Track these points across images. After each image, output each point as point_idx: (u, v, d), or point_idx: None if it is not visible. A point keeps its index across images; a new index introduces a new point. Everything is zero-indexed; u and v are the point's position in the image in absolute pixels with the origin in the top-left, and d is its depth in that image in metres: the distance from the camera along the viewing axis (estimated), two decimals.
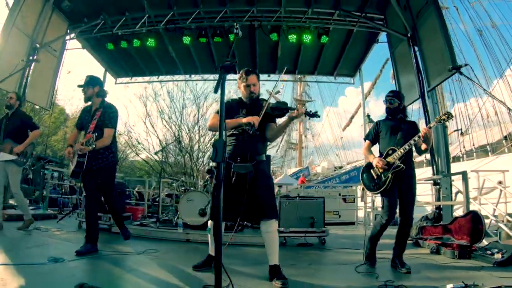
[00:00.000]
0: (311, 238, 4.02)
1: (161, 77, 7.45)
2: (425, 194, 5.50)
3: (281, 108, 2.27)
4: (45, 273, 2.04)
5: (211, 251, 2.40)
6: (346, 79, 7.20)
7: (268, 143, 2.62)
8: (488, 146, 9.52)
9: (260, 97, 2.48)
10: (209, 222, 2.43)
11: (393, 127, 2.70)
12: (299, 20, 5.47)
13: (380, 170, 2.61)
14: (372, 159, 2.68)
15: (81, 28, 6.05)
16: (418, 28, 4.79)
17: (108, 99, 2.96)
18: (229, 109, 2.34)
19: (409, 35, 4.96)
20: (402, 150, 2.54)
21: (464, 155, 9.88)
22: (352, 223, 6.69)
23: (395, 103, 2.71)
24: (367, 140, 2.85)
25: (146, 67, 7.15)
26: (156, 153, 7.18)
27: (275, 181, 5.27)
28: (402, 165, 2.54)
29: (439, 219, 4.19)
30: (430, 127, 2.51)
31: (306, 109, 2.19)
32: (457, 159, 9.80)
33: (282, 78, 10.97)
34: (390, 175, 2.55)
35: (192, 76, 7.69)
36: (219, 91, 1.61)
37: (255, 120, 2.19)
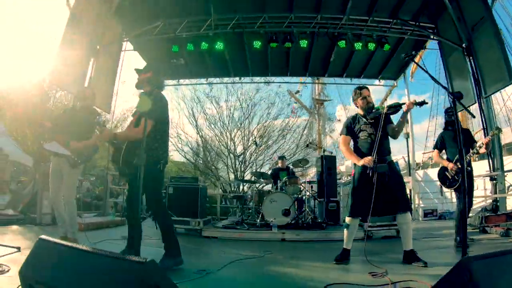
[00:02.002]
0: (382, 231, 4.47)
1: (210, 79, 7.62)
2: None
3: (394, 106, 2.77)
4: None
5: (347, 245, 2.84)
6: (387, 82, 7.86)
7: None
8: None
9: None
10: (348, 218, 2.84)
11: (452, 136, 3.54)
12: (362, 28, 5.94)
13: (453, 172, 3.44)
14: (446, 164, 3.51)
15: (139, 30, 6.10)
16: (474, 41, 5.47)
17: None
18: (351, 127, 2.86)
19: (464, 45, 5.63)
20: (468, 157, 3.37)
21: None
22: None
23: (452, 116, 3.53)
24: (435, 149, 3.71)
25: (194, 70, 7.32)
26: (238, 157, 7.39)
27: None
28: (470, 168, 3.42)
29: (496, 210, 5.02)
30: (489, 139, 3.34)
31: (414, 100, 2.70)
32: (481, 157, 10.82)
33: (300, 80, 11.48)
34: (460, 176, 3.38)
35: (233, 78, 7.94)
36: None
37: (368, 161, 2.64)
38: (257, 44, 5.64)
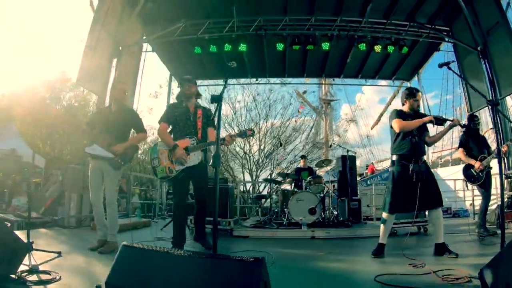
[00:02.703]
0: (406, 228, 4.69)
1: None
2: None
3: (442, 119, 3.04)
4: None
5: (382, 240, 3.05)
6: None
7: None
8: None
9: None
10: (385, 214, 3.04)
11: (475, 139, 4.16)
12: (379, 30, 6.15)
13: (478, 170, 3.97)
14: (474, 162, 4.00)
15: (160, 31, 6.18)
16: (489, 44, 5.74)
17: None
18: (402, 117, 3.03)
19: (479, 48, 5.89)
20: (490, 158, 3.90)
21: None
22: None
23: (479, 125, 4.31)
24: (461, 148, 4.20)
25: (213, 71, 7.42)
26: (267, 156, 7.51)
27: None
28: (492, 166, 3.93)
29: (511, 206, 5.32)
30: (506, 148, 3.99)
31: (459, 121, 3.06)
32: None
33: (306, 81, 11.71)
34: (485, 173, 3.94)
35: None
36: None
37: (432, 118, 2.95)
38: (279, 46, 5.79)
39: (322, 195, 5.40)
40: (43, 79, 10.93)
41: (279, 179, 5.78)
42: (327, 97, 15.39)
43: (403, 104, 3.16)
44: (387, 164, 14.29)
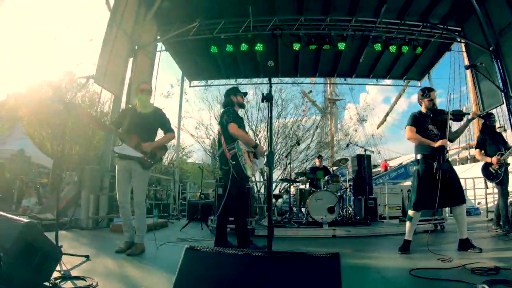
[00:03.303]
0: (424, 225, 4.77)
1: (239, 80, 7.78)
2: None
3: (460, 115, 3.16)
4: None
5: (408, 236, 3.14)
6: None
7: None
8: None
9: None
10: (411, 211, 3.15)
11: (492, 137, 4.26)
12: (394, 31, 6.24)
13: (496, 168, 4.08)
14: (490, 160, 4.11)
15: (175, 31, 6.19)
16: (502, 45, 5.87)
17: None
18: (418, 121, 3.15)
19: (491, 49, 6.02)
20: (507, 153, 4.02)
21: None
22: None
23: (495, 122, 4.40)
24: (477, 149, 4.36)
25: (226, 71, 7.46)
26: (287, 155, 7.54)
27: None
28: (509, 163, 4.04)
29: None
30: None
31: (475, 113, 3.33)
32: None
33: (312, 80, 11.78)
34: (503, 170, 4.04)
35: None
36: None
37: (444, 142, 3.00)
38: (296, 46, 5.85)
39: (339, 194, 5.47)
40: (49, 79, 10.87)
41: (296, 178, 5.82)
42: (333, 96, 15.52)
43: (420, 105, 3.27)
44: (395, 162, 14.48)
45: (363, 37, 6.12)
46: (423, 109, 3.21)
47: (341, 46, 5.89)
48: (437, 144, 2.99)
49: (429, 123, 3.15)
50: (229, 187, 2.99)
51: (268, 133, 2.11)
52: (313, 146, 9.93)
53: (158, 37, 6.43)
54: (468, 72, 10.63)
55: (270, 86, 2.46)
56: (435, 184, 2.93)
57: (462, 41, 6.57)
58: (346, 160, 5.86)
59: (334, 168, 6.12)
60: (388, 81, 9.47)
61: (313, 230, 4.72)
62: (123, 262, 2.57)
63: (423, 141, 3.06)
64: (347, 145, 6.97)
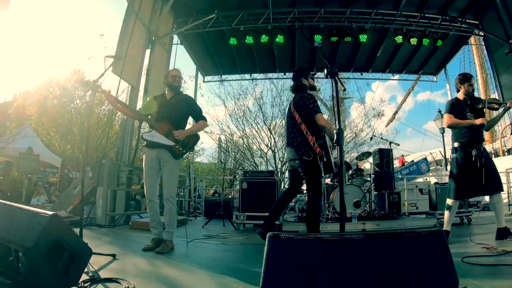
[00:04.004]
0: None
1: (253, 75, 7.69)
2: None
3: (497, 103, 3.11)
4: None
5: (447, 227, 3.06)
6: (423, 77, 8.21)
7: None
8: None
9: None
10: (450, 200, 3.06)
11: None
12: (413, 24, 6.21)
13: None
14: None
15: (192, 23, 6.09)
16: None
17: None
18: (457, 108, 3.09)
19: (510, 41, 6.01)
20: None
21: None
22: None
23: None
24: None
25: (241, 65, 7.35)
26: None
27: None
28: None
29: None
30: None
31: None
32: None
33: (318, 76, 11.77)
34: None
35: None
36: None
37: (484, 121, 2.95)
38: (317, 38, 5.78)
39: (364, 188, 5.37)
40: (56, 78, 10.67)
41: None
42: (340, 94, 15.36)
43: (457, 91, 3.20)
44: (408, 159, 14.45)
45: (383, 29, 6.07)
46: (460, 95, 3.15)
47: (363, 38, 5.83)
48: (478, 121, 2.93)
49: (467, 111, 3.08)
50: (309, 179, 2.92)
51: (335, 109, 2.01)
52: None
53: (174, 30, 6.30)
54: (478, 69, 10.76)
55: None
56: (474, 172, 2.89)
57: (481, 33, 6.57)
58: (370, 153, 5.77)
59: (359, 162, 6.03)
60: (393, 77, 9.39)
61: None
62: (155, 261, 2.37)
63: (464, 123, 2.99)
64: (371, 138, 6.89)
